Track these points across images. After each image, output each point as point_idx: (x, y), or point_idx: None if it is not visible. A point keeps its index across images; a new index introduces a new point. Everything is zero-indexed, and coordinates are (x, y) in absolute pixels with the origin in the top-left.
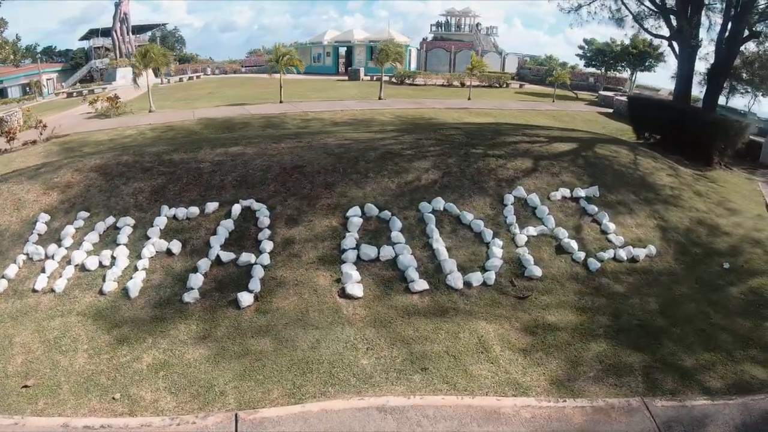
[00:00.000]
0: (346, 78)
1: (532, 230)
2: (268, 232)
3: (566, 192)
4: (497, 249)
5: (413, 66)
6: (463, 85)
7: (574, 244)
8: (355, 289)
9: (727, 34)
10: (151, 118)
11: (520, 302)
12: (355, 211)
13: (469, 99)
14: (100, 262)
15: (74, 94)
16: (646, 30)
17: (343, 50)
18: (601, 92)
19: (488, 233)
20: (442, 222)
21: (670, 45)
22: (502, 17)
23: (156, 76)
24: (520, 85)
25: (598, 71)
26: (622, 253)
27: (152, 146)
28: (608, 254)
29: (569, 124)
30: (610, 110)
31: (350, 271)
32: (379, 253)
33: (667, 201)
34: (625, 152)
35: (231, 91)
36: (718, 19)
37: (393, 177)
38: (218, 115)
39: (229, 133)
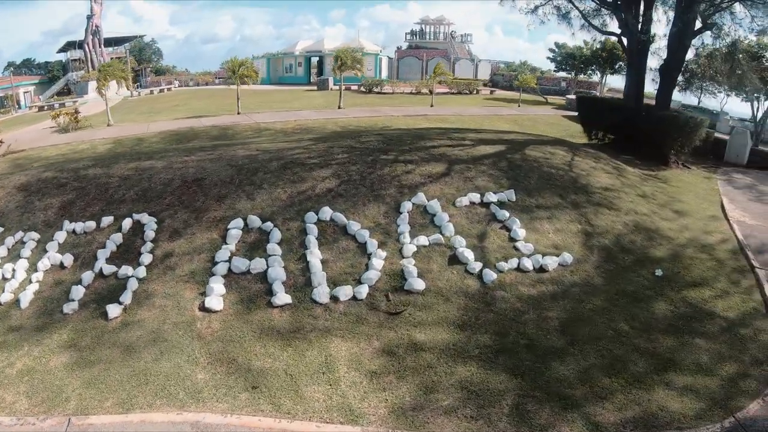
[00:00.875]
0: (316, 88)
1: (423, 240)
2: (150, 245)
3: (476, 197)
4: (378, 261)
5: (384, 74)
6: (431, 92)
7: (469, 254)
8: (214, 302)
9: (673, 27)
10: (107, 132)
11: (390, 318)
12: (236, 223)
13: (431, 106)
14: (3, 275)
15: (46, 107)
16: (594, 27)
17: (315, 60)
18: (569, 96)
19: (372, 244)
20: (326, 232)
21: (620, 42)
22: (483, 25)
23: (127, 88)
24: (491, 92)
25: (569, 75)
26: (527, 263)
27: (75, 162)
28: (510, 264)
29: (529, 128)
30: (576, 113)
31: (214, 284)
32: (250, 265)
33: (600, 203)
34: (561, 153)
35: (197, 103)
36: (671, 13)
37: (287, 187)
38: (173, 128)
39: (177, 144)
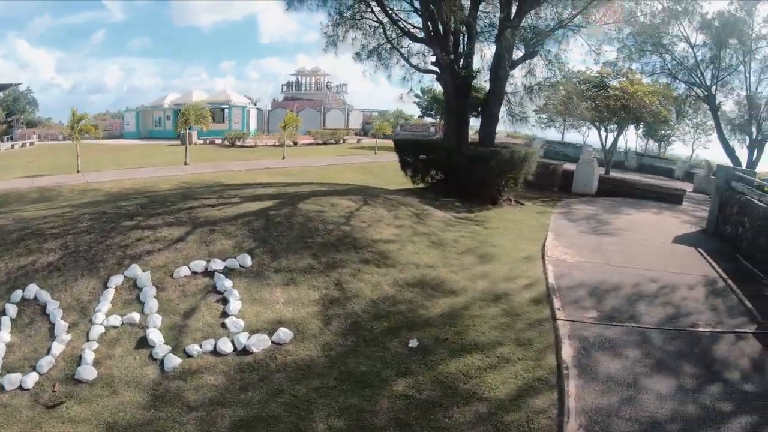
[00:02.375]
0: (179, 142)
1: (116, 320)
2: None
3: (199, 265)
4: (58, 345)
5: (253, 127)
6: (295, 143)
7: (157, 336)
8: None
9: (493, 60)
10: None
11: (47, 413)
12: None
13: (283, 158)
14: None
15: None
16: (412, 65)
17: (208, 111)
18: None
19: (61, 326)
20: (26, 312)
21: (439, 79)
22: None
23: None
24: (358, 141)
25: (436, 120)
26: (226, 344)
27: None
28: (205, 346)
29: (376, 174)
30: None
31: None
32: None
33: (369, 260)
34: (347, 204)
35: (50, 159)
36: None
37: (11, 261)
38: None
39: None
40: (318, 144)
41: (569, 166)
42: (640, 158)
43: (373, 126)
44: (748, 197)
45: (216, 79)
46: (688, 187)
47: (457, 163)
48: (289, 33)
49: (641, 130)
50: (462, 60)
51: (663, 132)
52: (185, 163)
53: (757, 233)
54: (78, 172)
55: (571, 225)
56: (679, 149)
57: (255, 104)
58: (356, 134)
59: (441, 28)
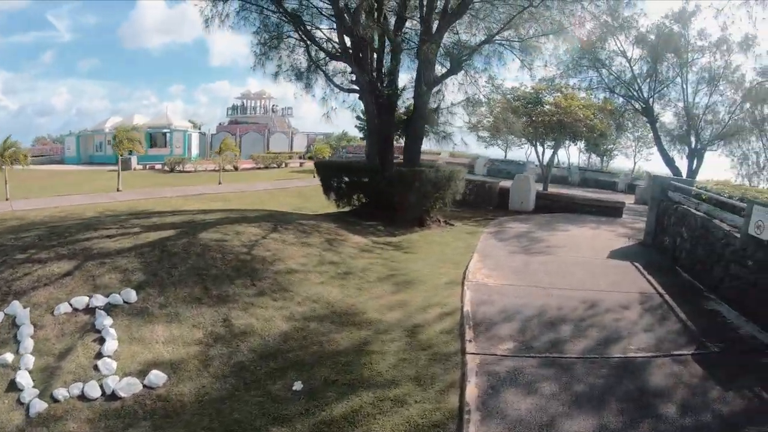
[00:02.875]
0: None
1: None
2: None
3: (81, 302)
4: None
5: (195, 151)
6: (236, 168)
7: (26, 379)
8: None
9: (417, 75)
10: None
11: None
12: None
13: (219, 183)
14: None
15: None
16: (335, 84)
17: (141, 136)
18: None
19: None
20: None
21: (361, 98)
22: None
23: None
24: (301, 164)
25: None
26: (93, 389)
27: None
28: (73, 390)
29: (309, 198)
30: None
31: None
32: None
33: (265, 293)
34: (253, 232)
35: None
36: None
37: None
38: None
39: None
40: (259, 168)
41: (506, 183)
42: (583, 173)
43: (312, 149)
44: (685, 207)
45: (165, 102)
46: (631, 198)
47: (380, 185)
48: (239, 56)
49: (582, 145)
50: (387, 77)
51: (604, 146)
52: (117, 190)
53: (695, 244)
54: (7, 199)
55: (500, 245)
56: (621, 162)
57: (199, 128)
58: (300, 157)
59: (358, 44)
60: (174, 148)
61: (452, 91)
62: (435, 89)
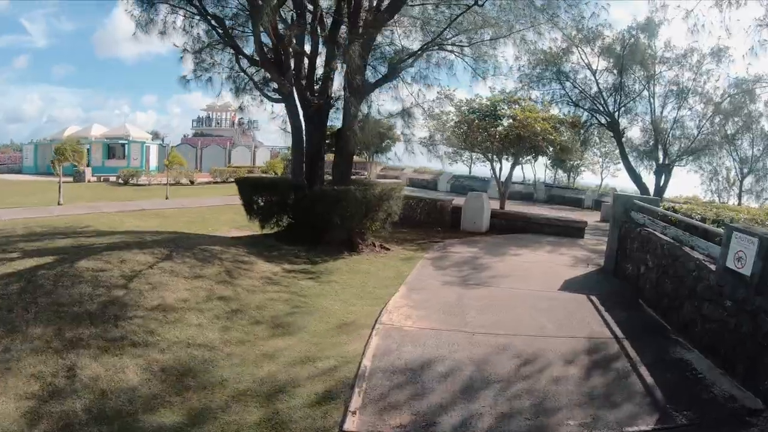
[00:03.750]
0: (72, 179)
1: None
2: None
3: None
4: None
5: (154, 164)
6: (192, 182)
7: None
8: None
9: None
10: None
11: None
12: None
13: (167, 198)
14: None
15: None
16: (264, 94)
17: (85, 148)
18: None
19: None
20: None
21: (287, 108)
22: None
23: None
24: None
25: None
26: None
27: None
28: None
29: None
30: None
31: None
32: None
33: (125, 337)
34: (142, 260)
35: None
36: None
37: None
38: None
39: None
40: (216, 182)
41: (460, 201)
42: (549, 189)
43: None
44: (650, 230)
45: (138, 112)
46: (596, 216)
47: (305, 205)
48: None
49: (548, 161)
50: (318, 84)
51: (571, 162)
52: (59, 203)
53: (661, 274)
54: None
55: (436, 274)
56: (588, 178)
57: (162, 139)
58: (263, 172)
59: (278, 48)
60: (131, 160)
61: (392, 101)
62: (373, 98)
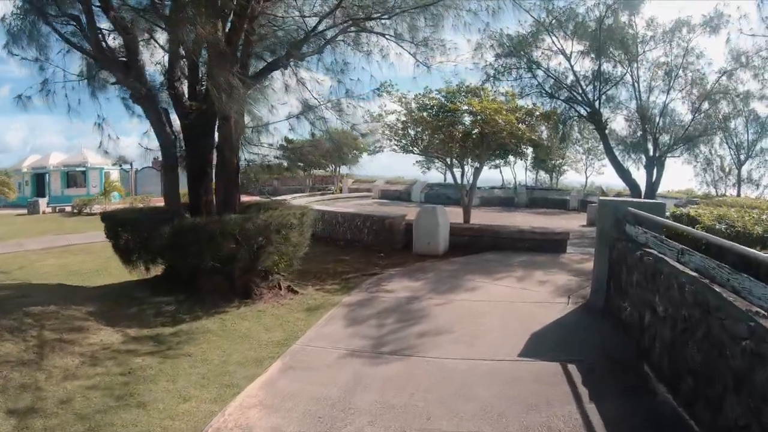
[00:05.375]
0: (26, 211)
1: None
2: None
3: None
4: None
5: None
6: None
7: None
8: None
9: None
10: None
11: None
12: None
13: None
14: None
15: None
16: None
17: (46, 177)
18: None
19: None
20: None
21: (148, 117)
22: None
23: None
24: None
25: (305, 171)
26: None
27: None
28: None
29: None
30: None
31: None
32: None
33: None
34: None
35: None
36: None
37: None
38: None
39: None
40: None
41: (413, 217)
42: (531, 192)
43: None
44: (655, 253)
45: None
46: (582, 218)
47: (179, 242)
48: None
49: (526, 161)
50: (201, 86)
51: (552, 161)
52: None
53: (682, 331)
54: None
55: (342, 335)
56: (573, 177)
57: (131, 164)
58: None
59: (128, 41)
60: (90, 188)
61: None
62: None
